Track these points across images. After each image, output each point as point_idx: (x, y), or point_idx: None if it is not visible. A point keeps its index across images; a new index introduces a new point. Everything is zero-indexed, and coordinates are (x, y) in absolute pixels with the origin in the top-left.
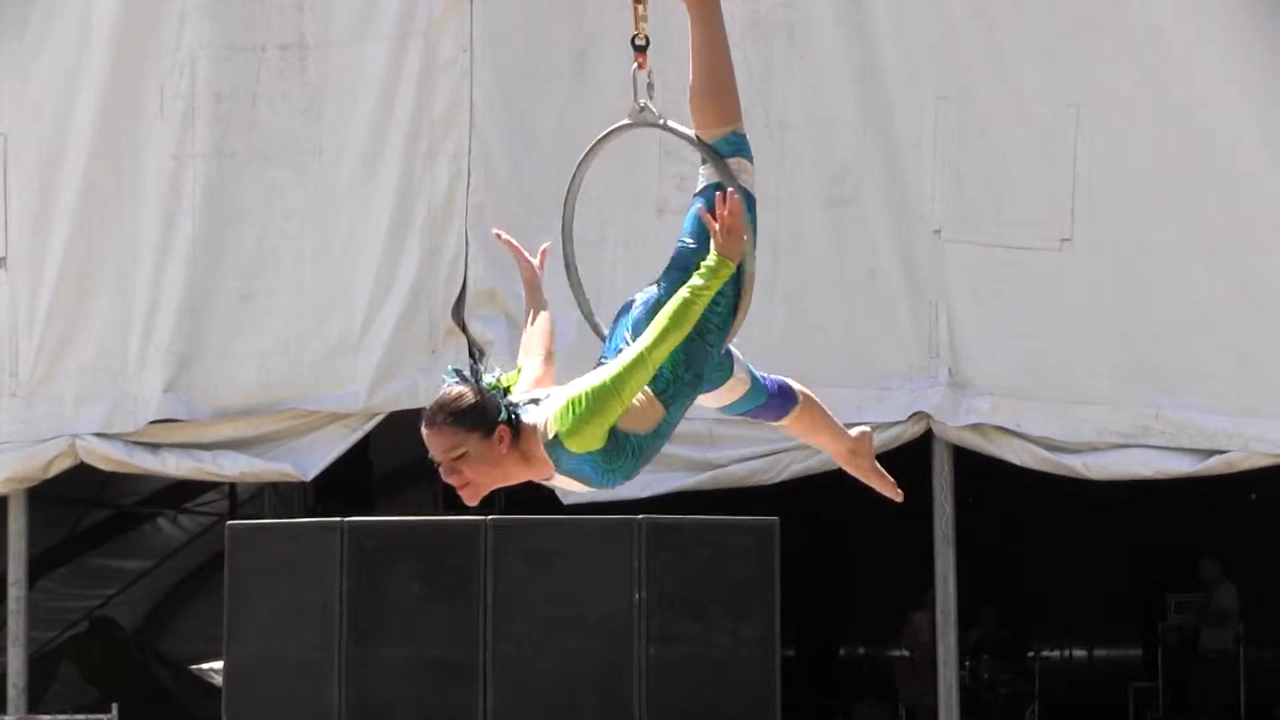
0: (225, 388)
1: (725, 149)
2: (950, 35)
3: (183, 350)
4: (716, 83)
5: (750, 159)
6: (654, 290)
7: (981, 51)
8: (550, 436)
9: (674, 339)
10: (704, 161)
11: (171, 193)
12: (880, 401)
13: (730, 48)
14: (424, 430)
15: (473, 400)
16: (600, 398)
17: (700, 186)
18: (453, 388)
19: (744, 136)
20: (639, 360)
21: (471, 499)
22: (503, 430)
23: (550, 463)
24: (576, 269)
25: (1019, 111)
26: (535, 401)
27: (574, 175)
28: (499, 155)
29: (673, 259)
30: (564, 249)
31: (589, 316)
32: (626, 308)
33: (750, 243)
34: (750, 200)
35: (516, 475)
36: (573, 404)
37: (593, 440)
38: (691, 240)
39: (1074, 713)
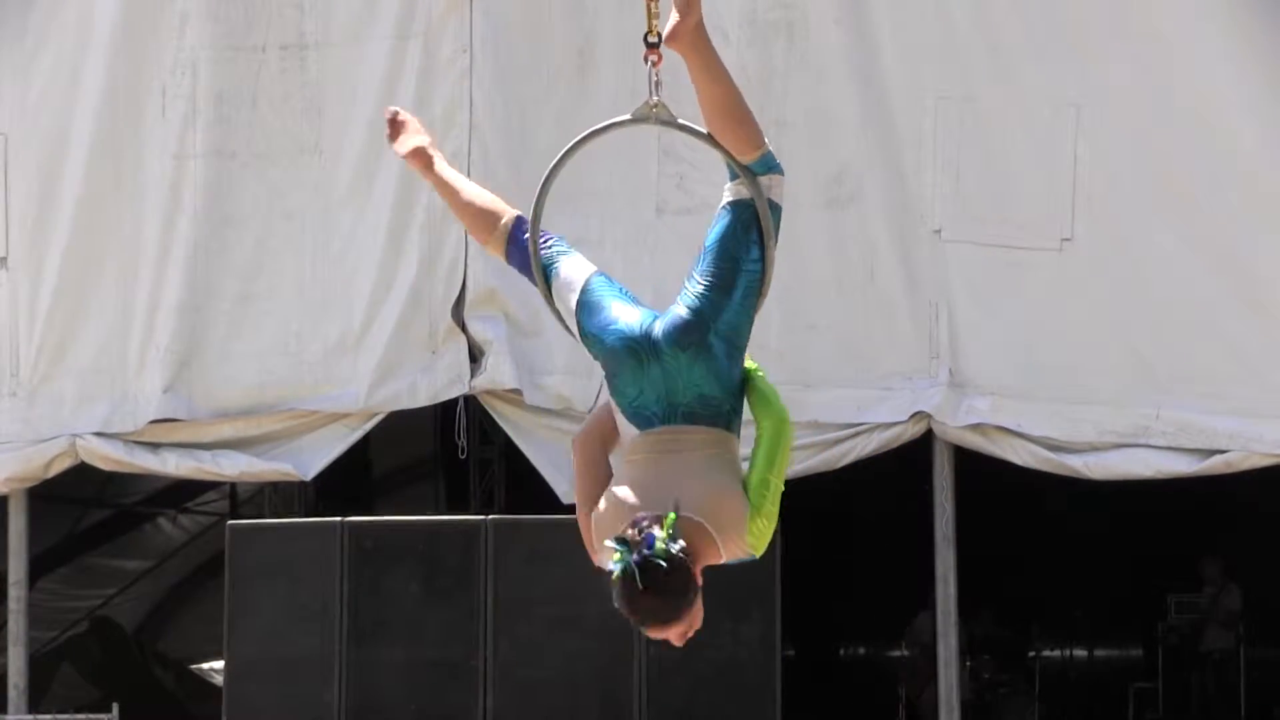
0: (225, 388)
1: (759, 169)
2: (950, 35)
3: (183, 350)
4: (736, 112)
5: (782, 171)
6: (683, 312)
7: (981, 51)
8: (752, 556)
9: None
10: (733, 177)
11: (172, 193)
12: (880, 401)
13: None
14: (651, 627)
15: (678, 576)
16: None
17: (729, 199)
18: (653, 572)
19: (772, 153)
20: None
21: (684, 640)
22: (698, 575)
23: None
24: (539, 257)
25: (1019, 111)
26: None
27: (557, 161)
28: (499, 155)
29: (696, 268)
30: (530, 231)
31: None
32: (625, 328)
33: (772, 254)
34: (778, 210)
35: None
36: (763, 525)
37: None
38: (715, 248)
39: (1074, 713)
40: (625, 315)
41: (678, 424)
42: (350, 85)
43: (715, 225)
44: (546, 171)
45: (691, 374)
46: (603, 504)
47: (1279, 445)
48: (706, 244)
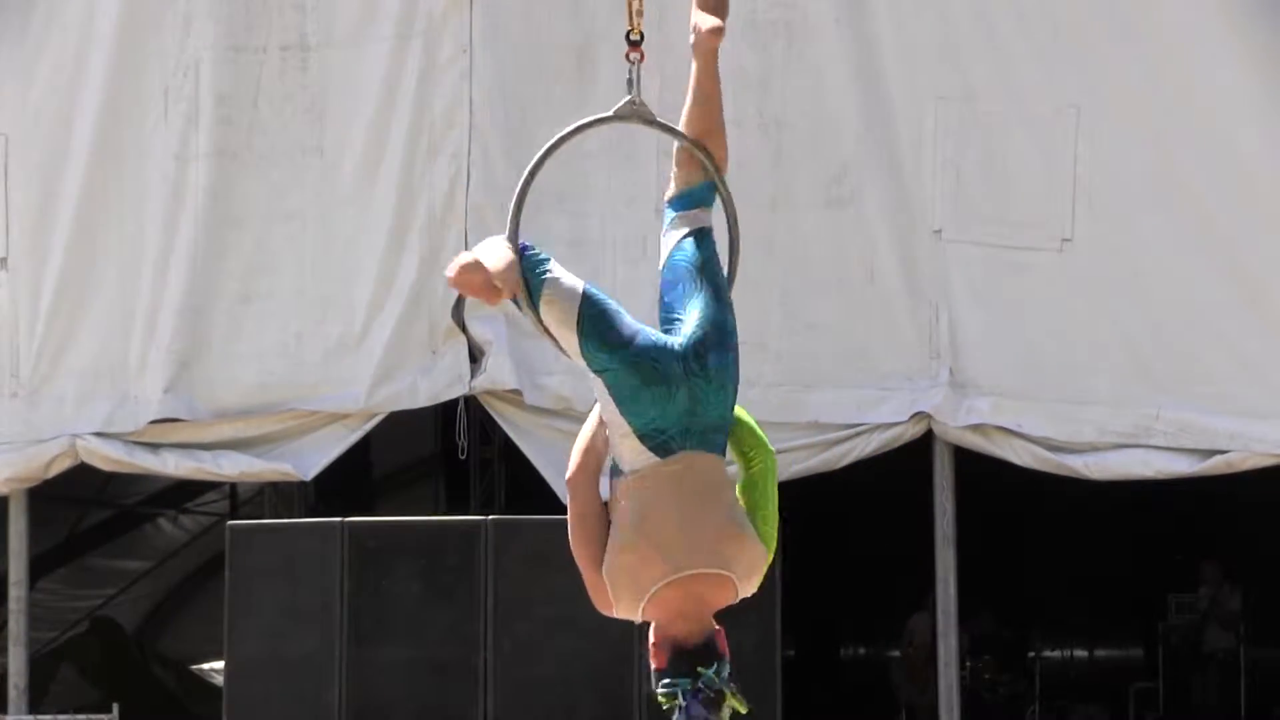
0: (226, 388)
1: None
2: (950, 35)
3: (183, 350)
4: (718, 126)
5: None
6: (700, 331)
7: (981, 51)
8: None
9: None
10: (680, 207)
11: (173, 193)
12: (881, 402)
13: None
14: None
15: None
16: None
17: (694, 228)
18: None
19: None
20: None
21: None
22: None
23: None
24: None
25: (1019, 111)
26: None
27: (539, 158)
28: (499, 155)
29: (689, 291)
30: (511, 220)
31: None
32: (648, 348)
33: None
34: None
35: None
36: (769, 561)
37: None
38: (707, 269)
39: (1074, 713)
40: (640, 335)
41: (692, 449)
42: (351, 86)
43: (694, 251)
44: (531, 164)
45: (719, 396)
46: (623, 555)
47: (1279, 445)
48: (693, 267)
